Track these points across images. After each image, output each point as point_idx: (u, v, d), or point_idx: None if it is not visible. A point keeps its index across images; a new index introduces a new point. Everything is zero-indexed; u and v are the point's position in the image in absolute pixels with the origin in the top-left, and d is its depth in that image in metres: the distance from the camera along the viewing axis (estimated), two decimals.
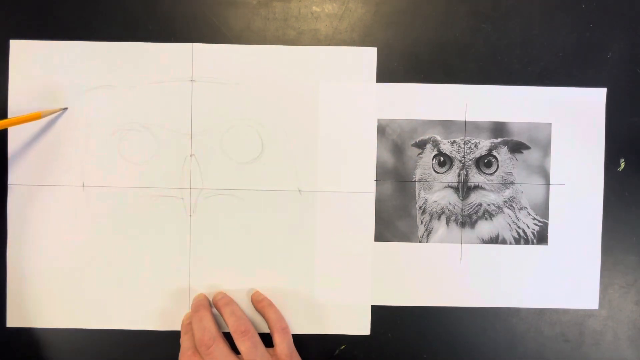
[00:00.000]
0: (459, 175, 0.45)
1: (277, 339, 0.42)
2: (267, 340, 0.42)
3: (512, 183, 0.45)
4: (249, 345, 0.39)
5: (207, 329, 0.40)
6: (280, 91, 0.45)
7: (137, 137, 0.44)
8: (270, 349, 0.42)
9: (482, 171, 0.45)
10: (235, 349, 0.40)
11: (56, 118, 0.44)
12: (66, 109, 0.43)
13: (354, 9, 0.45)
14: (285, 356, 0.41)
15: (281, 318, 0.43)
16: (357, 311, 0.45)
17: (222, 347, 0.39)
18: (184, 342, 0.41)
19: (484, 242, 0.45)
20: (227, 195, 0.45)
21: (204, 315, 0.41)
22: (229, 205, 0.45)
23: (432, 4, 0.45)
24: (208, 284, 0.45)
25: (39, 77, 0.44)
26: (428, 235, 0.45)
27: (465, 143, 0.45)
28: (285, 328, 0.43)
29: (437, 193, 0.45)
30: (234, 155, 0.45)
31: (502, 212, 0.45)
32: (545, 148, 0.45)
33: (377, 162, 0.45)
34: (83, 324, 0.45)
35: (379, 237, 0.45)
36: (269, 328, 0.43)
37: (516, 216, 0.45)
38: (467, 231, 0.45)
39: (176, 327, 0.44)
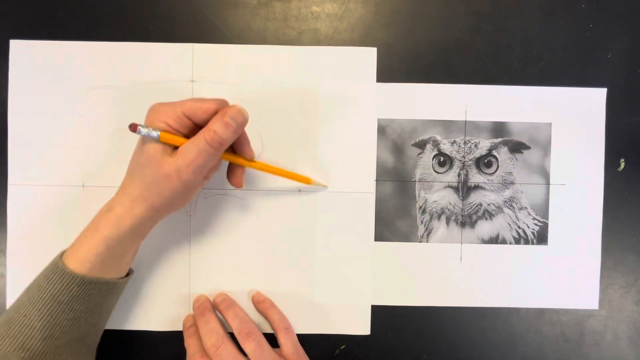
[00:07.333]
0: (459, 175, 0.45)
1: (281, 339, 0.42)
2: (271, 339, 0.42)
3: (512, 183, 0.45)
4: (254, 346, 0.39)
5: (214, 331, 0.40)
6: (280, 91, 0.45)
7: (137, 137, 0.44)
8: (277, 349, 0.42)
9: (482, 171, 0.45)
10: (242, 350, 0.40)
11: (57, 117, 0.44)
12: (326, 186, 0.44)
13: (354, 9, 0.45)
14: (292, 355, 0.41)
15: (284, 318, 0.43)
16: (357, 311, 0.45)
17: (230, 348, 0.39)
18: (190, 346, 0.41)
19: (484, 242, 0.45)
20: (227, 195, 0.45)
21: (209, 318, 0.41)
22: (229, 205, 0.45)
23: (432, 4, 0.45)
24: (208, 283, 0.45)
25: (39, 77, 0.44)
26: (428, 235, 0.45)
27: (465, 143, 0.45)
28: (288, 327, 0.43)
29: (437, 193, 0.45)
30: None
31: (502, 212, 0.45)
32: (545, 148, 0.45)
33: (377, 162, 0.45)
34: None
35: (379, 237, 0.45)
36: (273, 329, 0.43)
37: (516, 216, 0.45)
38: (467, 231, 0.45)
39: (176, 327, 0.44)
